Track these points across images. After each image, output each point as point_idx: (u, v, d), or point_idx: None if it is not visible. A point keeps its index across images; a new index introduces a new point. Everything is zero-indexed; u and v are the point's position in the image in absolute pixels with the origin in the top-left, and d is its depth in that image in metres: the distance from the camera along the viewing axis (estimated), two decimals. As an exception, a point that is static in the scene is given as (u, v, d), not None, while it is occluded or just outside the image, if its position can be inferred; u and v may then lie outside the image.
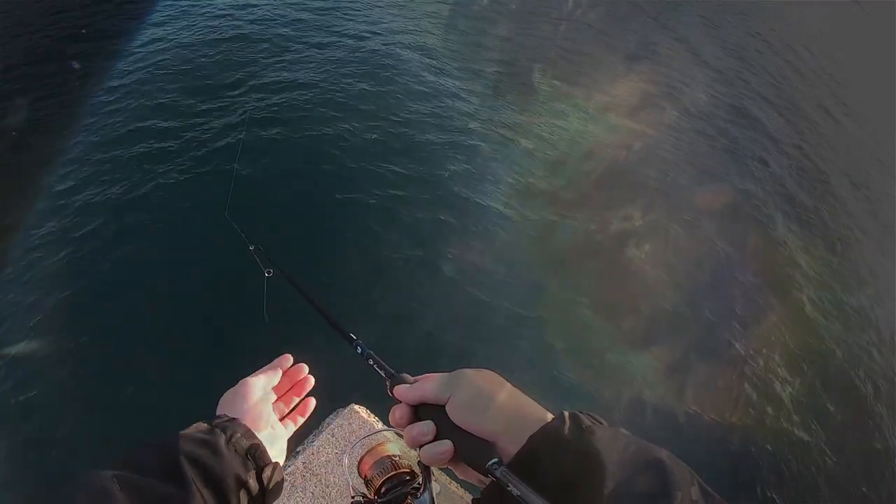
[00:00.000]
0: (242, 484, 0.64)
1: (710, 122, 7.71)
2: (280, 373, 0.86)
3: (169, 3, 8.87)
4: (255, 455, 0.68)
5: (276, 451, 0.76)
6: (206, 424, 0.69)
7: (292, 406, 0.87)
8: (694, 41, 8.80)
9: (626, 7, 8.78)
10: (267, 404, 0.79)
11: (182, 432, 0.66)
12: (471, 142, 6.34)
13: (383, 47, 7.91)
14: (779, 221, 6.82)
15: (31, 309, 4.76)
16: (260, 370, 0.85)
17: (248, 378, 0.80)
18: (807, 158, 8.23)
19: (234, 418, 0.72)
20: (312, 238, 5.57)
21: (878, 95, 14.42)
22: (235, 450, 0.66)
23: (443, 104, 6.67)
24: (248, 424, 0.72)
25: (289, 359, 0.89)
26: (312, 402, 0.89)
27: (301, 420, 0.87)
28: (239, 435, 0.68)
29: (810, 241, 6.84)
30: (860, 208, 8.28)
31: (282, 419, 0.84)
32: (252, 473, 0.66)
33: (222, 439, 0.66)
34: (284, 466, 0.80)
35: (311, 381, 0.89)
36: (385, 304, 5.05)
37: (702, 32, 9.12)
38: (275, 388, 0.85)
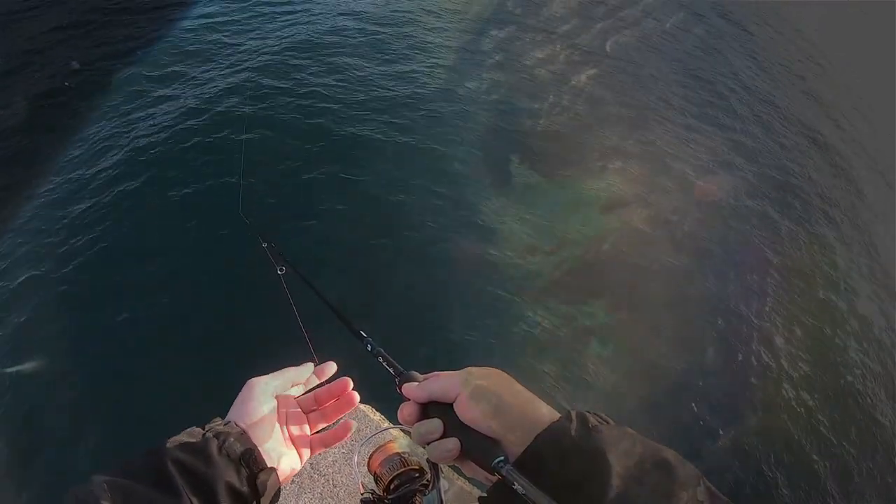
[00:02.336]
0: (234, 491, 0.62)
1: (680, 224, 7.59)
2: (305, 376, 0.80)
3: (176, 16, 9.05)
4: (249, 460, 0.65)
5: (283, 459, 0.71)
6: (199, 430, 0.66)
7: (322, 425, 0.79)
8: (674, 143, 8.78)
9: (607, 103, 8.80)
10: (269, 407, 0.73)
11: (173, 439, 0.64)
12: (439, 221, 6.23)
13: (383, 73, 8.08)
14: (752, 332, 6.59)
15: (40, 308, 4.83)
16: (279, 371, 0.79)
17: (254, 378, 0.76)
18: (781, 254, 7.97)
19: (228, 422, 0.69)
20: (322, 234, 5.63)
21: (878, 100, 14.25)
22: (228, 455, 0.63)
23: (421, 177, 6.58)
24: (246, 428, 0.69)
25: (331, 367, 0.81)
26: (352, 425, 0.79)
27: (333, 442, 0.78)
28: (232, 440, 0.65)
29: (784, 344, 6.61)
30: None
31: (314, 433, 0.78)
32: (245, 480, 0.63)
33: (214, 445, 0.63)
34: None
35: (356, 398, 0.80)
36: (394, 304, 5.07)
37: (681, 134, 9.07)
38: (317, 401, 0.79)
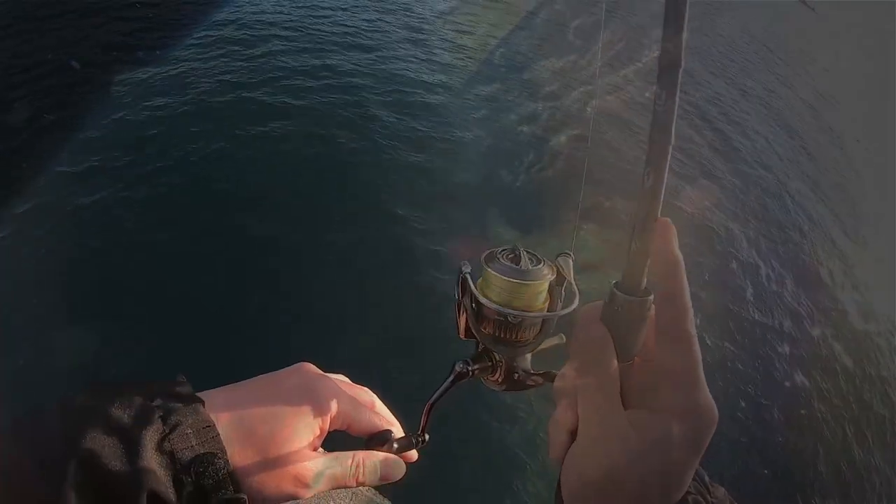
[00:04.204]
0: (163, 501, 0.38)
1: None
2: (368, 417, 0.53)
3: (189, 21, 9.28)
4: (208, 471, 0.39)
5: (284, 484, 0.44)
6: (141, 399, 0.40)
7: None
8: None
9: (584, 164, 8.97)
10: (299, 414, 0.46)
11: (97, 413, 0.39)
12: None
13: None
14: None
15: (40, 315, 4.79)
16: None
17: (311, 366, 0.51)
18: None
19: (192, 396, 0.42)
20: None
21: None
22: (172, 455, 0.39)
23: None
24: (232, 422, 0.43)
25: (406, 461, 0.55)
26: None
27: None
28: (189, 431, 0.40)
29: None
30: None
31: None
32: (186, 499, 0.39)
33: (152, 435, 0.38)
34: None
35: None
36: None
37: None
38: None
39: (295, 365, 0.51)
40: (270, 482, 0.43)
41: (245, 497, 0.41)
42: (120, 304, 4.86)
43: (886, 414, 6.65)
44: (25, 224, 5.44)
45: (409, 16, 11.40)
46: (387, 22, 10.85)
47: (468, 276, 0.58)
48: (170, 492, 0.38)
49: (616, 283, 0.40)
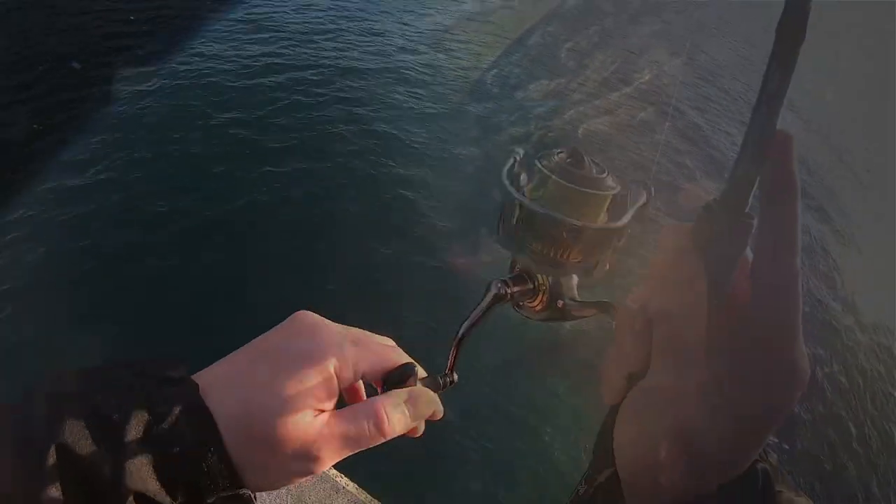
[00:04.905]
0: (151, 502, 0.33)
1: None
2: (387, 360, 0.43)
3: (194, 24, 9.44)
4: (201, 465, 0.34)
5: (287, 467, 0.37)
6: (128, 383, 0.35)
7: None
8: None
9: None
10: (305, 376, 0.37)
11: (79, 401, 0.34)
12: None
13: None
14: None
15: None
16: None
17: (312, 315, 0.42)
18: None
19: (184, 378, 0.37)
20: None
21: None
22: (161, 448, 0.33)
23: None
24: (225, 402, 0.36)
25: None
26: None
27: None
28: (180, 419, 0.34)
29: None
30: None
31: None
32: (181, 489, 0.34)
33: (138, 425, 0.33)
34: None
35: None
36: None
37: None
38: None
39: (290, 317, 0.42)
40: (273, 465, 0.37)
41: (248, 492, 0.36)
42: (121, 306, 4.88)
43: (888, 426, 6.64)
44: (23, 224, 5.45)
45: (401, 36, 11.52)
46: (379, 42, 11.04)
47: (522, 176, 0.48)
48: (160, 491, 0.33)
49: (714, 199, 0.33)
